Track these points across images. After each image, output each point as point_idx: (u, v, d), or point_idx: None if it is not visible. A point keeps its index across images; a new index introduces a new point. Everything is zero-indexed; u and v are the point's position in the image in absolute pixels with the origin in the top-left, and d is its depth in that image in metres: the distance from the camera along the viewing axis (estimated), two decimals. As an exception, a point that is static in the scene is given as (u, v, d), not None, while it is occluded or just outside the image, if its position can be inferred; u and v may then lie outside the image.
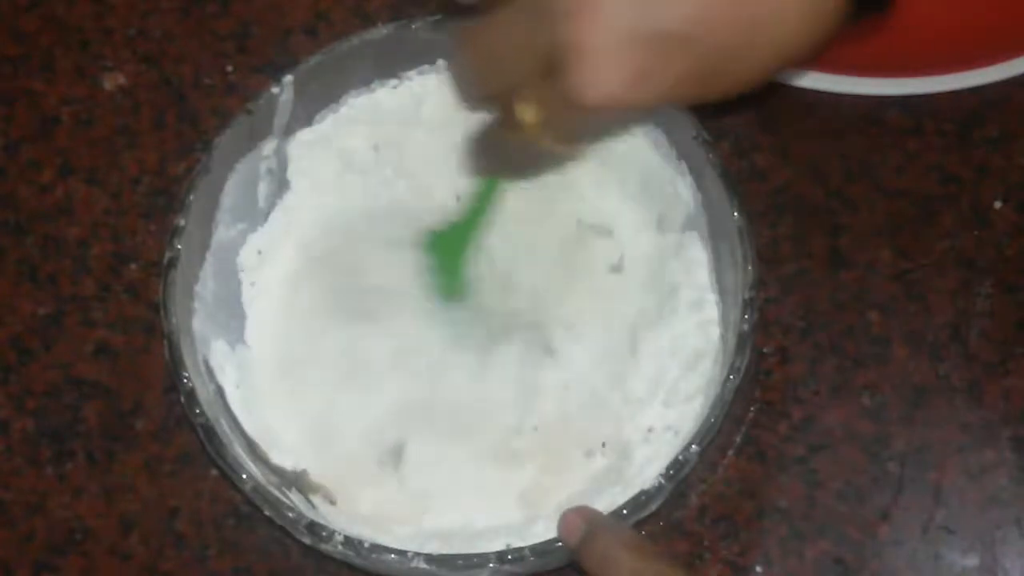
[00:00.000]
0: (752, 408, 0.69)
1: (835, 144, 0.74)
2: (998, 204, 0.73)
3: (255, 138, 0.69)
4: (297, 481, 0.66)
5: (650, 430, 0.66)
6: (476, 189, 0.67)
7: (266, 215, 0.71)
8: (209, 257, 0.68)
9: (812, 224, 0.73)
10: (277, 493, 0.63)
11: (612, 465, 0.66)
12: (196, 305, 0.67)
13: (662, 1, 0.53)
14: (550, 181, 0.71)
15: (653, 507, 0.62)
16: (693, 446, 0.62)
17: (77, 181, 0.74)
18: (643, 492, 0.61)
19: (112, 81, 0.76)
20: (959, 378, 0.70)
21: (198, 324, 0.67)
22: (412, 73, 0.71)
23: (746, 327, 0.63)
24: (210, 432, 0.63)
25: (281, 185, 0.71)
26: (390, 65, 0.71)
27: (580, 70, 0.53)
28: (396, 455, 0.67)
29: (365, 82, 0.71)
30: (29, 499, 0.69)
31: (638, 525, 0.64)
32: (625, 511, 0.61)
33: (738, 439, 0.69)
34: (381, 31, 0.69)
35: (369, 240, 0.70)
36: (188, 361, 0.64)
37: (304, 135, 0.71)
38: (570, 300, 0.69)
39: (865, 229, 0.73)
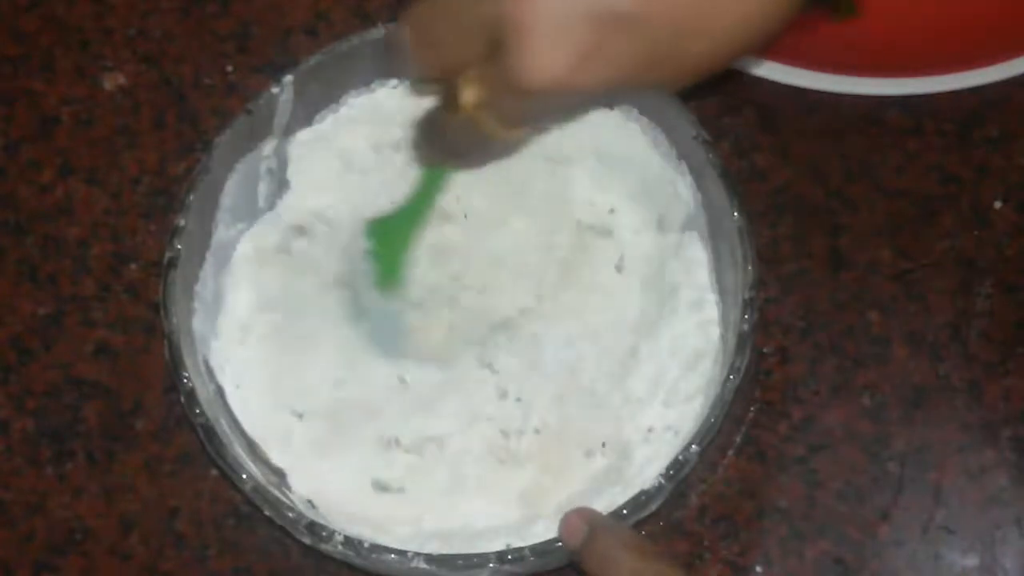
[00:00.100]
0: (752, 408, 0.69)
1: (835, 144, 0.74)
2: (998, 204, 0.73)
3: (255, 138, 0.69)
4: None
5: (650, 430, 0.66)
6: (421, 179, 0.66)
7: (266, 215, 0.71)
8: (209, 257, 0.68)
9: (812, 224, 0.73)
10: (277, 493, 0.63)
11: (612, 465, 0.66)
12: (196, 305, 0.67)
13: None
14: (550, 181, 0.71)
15: (653, 507, 0.63)
16: (693, 446, 0.62)
17: (77, 181, 0.74)
18: (643, 492, 0.61)
19: (112, 81, 0.76)
20: (959, 378, 0.70)
21: (198, 324, 0.67)
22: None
23: (746, 327, 0.63)
24: (210, 432, 0.63)
25: (281, 185, 0.71)
26: (390, 65, 0.71)
27: (522, 51, 0.52)
28: (392, 456, 0.67)
29: (365, 82, 0.71)
30: (29, 499, 0.69)
31: (638, 525, 0.64)
32: (625, 511, 0.61)
33: (738, 439, 0.69)
34: (381, 31, 0.69)
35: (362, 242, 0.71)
36: (188, 361, 0.64)
37: (304, 135, 0.71)
38: (570, 300, 0.69)
39: (865, 229, 0.73)
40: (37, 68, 0.77)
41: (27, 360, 0.71)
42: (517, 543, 0.62)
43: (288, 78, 0.68)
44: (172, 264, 0.65)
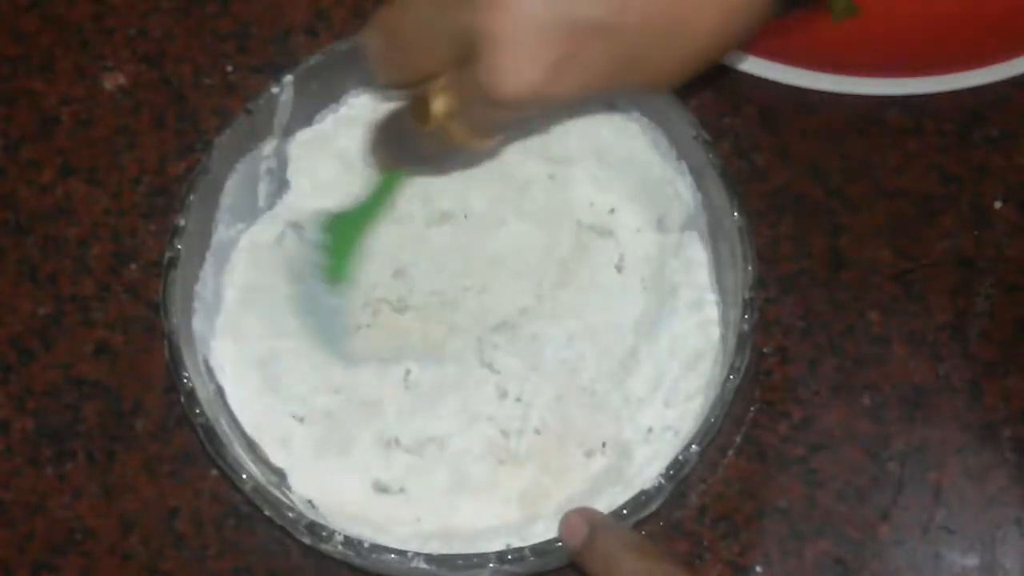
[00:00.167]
0: (752, 408, 0.69)
1: (835, 144, 0.74)
2: (998, 204, 0.73)
3: (255, 138, 0.69)
4: None
5: (650, 430, 0.66)
6: (377, 180, 0.66)
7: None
8: (209, 257, 0.68)
9: (812, 224, 0.73)
10: (277, 493, 0.63)
11: (612, 465, 0.66)
12: (196, 305, 0.67)
13: None
14: (550, 181, 0.71)
15: (653, 507, 0.63)
16: (693, 446, 0.62)
17: (77, 181, 0.74)
18: (643, 492, 0.61)
19: (112, 81, 0.76)
20: (959, 378, 0.70)
21: (198, 324, 0.67)
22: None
23: (746, 327, 0.63)
24: (210, 432, 0.63)
25: (281, 185, 0.71)
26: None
27: (495, 63, 0.51)
28: (392, 458, 0.67)
29: (365, 82, 0.71)
30: (29, 499, 0.69)
31: (638, 525, 0.64)
32: (625, 511, 0.61)
33: (738, 439, 0.69)
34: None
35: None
36: (188, 361, 0.64)
37: (304, 135, 0.71)
38: (570, 300, 0.69)
39: (865, 229, 0.73)
40: (37, 68, 0.77)
41: (27, 360, 0.71)
42: (517, 543, 0.62)
43: (288, 78, 0.68)
44: (172, 264, 0.65)
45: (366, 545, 0.61)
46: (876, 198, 0.73)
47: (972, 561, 0.67)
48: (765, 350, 0.70)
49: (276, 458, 0.66)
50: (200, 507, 0.68)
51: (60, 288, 0.72)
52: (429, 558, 0.60)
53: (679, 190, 0.69)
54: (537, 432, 0.67)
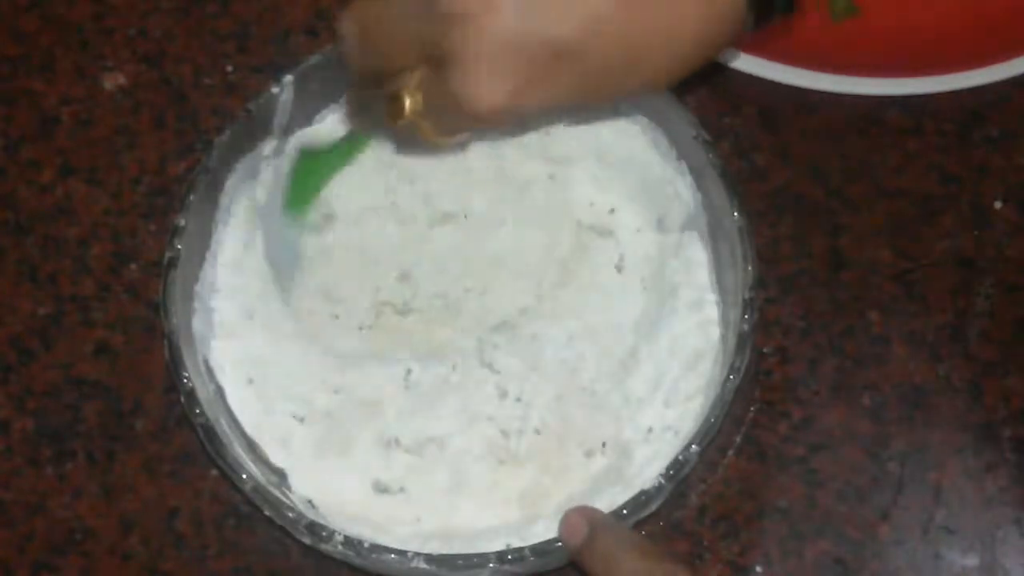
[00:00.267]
0: (752, 408, 0.69)
1: (835, 144, 0.74)
2: (998, 204, 0.73)
3: (255, 138, 0.69)
4: None
5: (650, 430, 0.66)
6: (351, 135, 0.68)
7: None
8: (209, 257, 0.68)
9: (812, 224, 0.73)
10: (277, 493, 0.63)
11: (612, 465, 0.66)
12: (196, 305, 0.67)
13: (550, 14, 0.52)
14: (550, 181, 0.71)
15: (653, 507, 0.63)
16: (693, 446, 0.62)
17: (77, 181, 0.74)
18: (643, 492, 0.61)
19: (112, 81, 0.76)
20: (959, 378, 0.70)
21: (198, 324, 0.67)
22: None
23: (746, 327, 0.63)
24: (210, 432, 0.63)
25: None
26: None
27: (464, 78, 0.52)
28: (391, 458, 0.67)
29: (365, 82, 0.71)
30: (29, 499, 0.69)
31: (638, 525, 0.64)
32: (625, 511, 0.61)
33: (738, 439, 0.69)
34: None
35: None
36: (188, 361, 0.64)
37: (304, 135, 0.71)
38: (570, 300, 0.69)
39: (865, 229, 0.73)
40: (37, 68, 0.77)
41: (27, 360, 0.71)
42: (517, 543, 0.62)
43: (288, 78, 0.68)
44: (172, 264, 0.65)
45: (366, 545, 0.61)
46: (876, 198, 0.73)
47: (972, 561, 0.67)
48: (765, 350, 0.70)
49: (276, 458, 0.66)
50: (200, 507, 0.68)
51: (60, 288, 0.72)
52: (429, 558, 0.60)
53: (679, 190, 0.69)
54: (537, 432, 0.67)
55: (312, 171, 0.70)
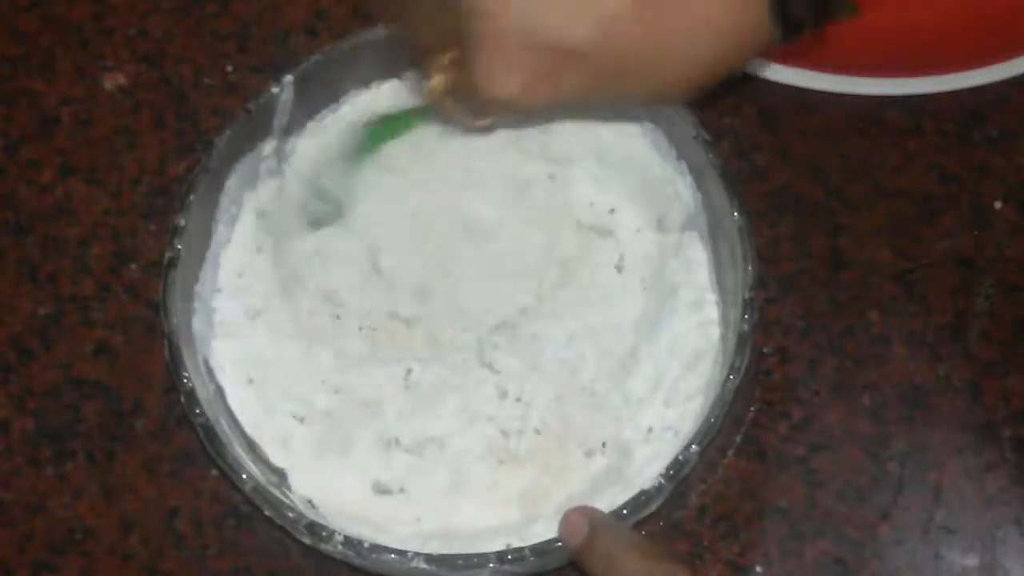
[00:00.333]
0: (752, 408, 0.69)
1: (835, 144, 0.74)
2: (998, 204, 0.73)
3: (255, 138, 0.69)
4: None
5: (650, 430, 0.66)
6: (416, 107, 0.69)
7: (266, 215, 0.71)
8: (209, 257, 0.68)
9: (812, 224, 0.73)
10: (277, 493, 0.63)
11: (612, 465, 0.66)
12: (196, 305, 0.67)
13: (562, 18, 0.54)
14: (550, 181, 0.71)
15: (653, 507, 0.63)
16: (693, 446, 0.62)
17: (77, 181, 0.74)
18: (643, 492, 0.61)
19: (112, 81, 0.76)
20: (959, 378, 0.70)
21: (198, 324, 0.67)
22: (412, 73, 0.71)
23: (746, 327, 0.63)
24: (210, 432, 0.63)
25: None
26: (390, 65, 0.71)
27: (480, 68, 0.56)
28: (392, 458, 0.67)
29: (365, 82, 0.71)
30: (29, 499, 0.69)
31: (638, 525, 0.64)
32: (625, 511, 0.61)
33: (738, 439, 0.69)
34: (381, 31, 0.69)
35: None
36: (188, 361, 0.64)
37: (304, 135, 0.71)
38: (570, 300, 0.69)
39: (865, 229, 0.73)
40: (37, 68, 0.77)
41: (27, 360, 0.71)
42: (517, 543, 0.62)
43: (288, 78, 0.68)
44: (172, 264, 0.65)
45: (366, 545, 0.61)
46: (876, 198, 0.73)
47: (972, 561, 0.67)
48: (765, 350, 0.70)
49: (276, 458, 0.66)
50: (200, 507, 0.68)
51: (60, 288, 0.72)
52: (429, 558, 0.60)
53: (679, 190, 0.69)
54: (537, 432, 0.67)
55: (382, 129, 0.70)
